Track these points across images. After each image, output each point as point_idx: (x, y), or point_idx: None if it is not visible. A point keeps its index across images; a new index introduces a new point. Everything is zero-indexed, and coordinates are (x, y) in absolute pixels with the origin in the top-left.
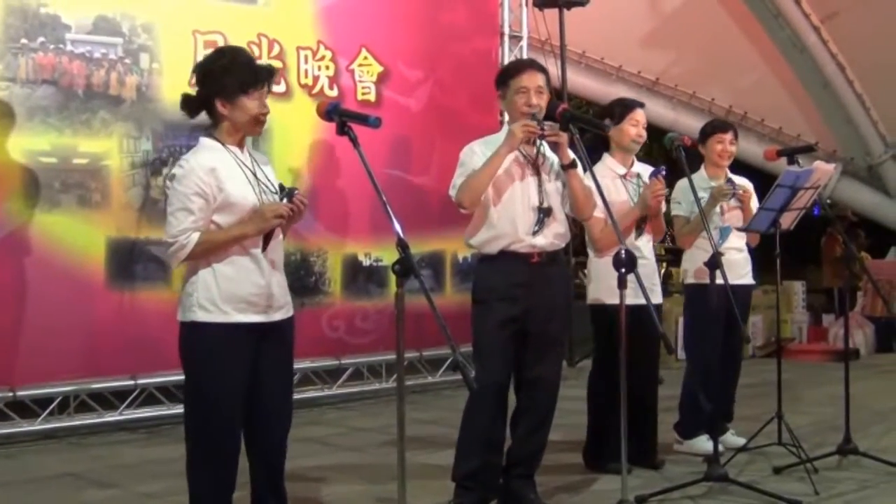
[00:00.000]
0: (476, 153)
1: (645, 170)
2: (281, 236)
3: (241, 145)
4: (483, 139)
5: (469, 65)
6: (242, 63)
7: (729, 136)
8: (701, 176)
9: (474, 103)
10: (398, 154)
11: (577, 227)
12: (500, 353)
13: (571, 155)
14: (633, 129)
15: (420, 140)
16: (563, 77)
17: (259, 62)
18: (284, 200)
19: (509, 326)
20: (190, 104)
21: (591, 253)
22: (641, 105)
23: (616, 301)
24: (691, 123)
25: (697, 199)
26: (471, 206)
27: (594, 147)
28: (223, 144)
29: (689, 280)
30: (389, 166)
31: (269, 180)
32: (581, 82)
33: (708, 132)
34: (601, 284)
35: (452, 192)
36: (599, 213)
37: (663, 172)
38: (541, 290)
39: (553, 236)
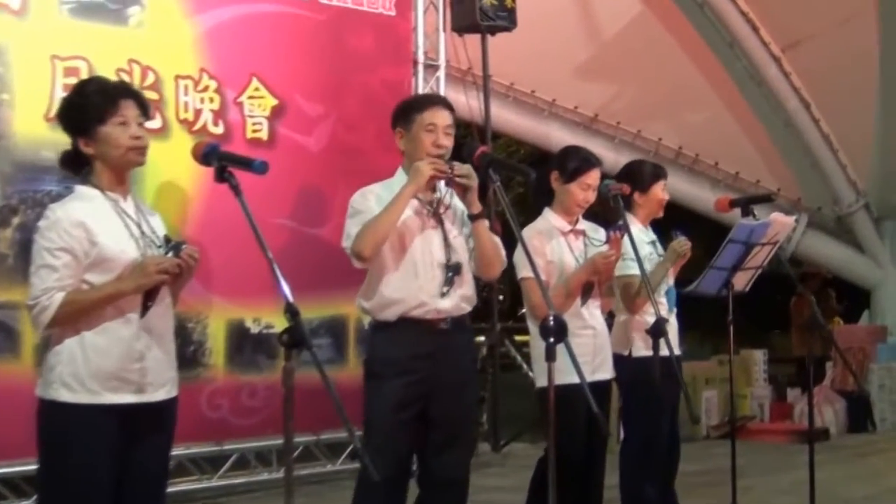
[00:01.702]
0: (370, 200)
1: (592, 228)
2: (168, 299)
3: (123, 191)
4: (377, 184)
5: (378, 98)
6: (92, 91)
7: (666, 182)
8: (636, 228)
9: (383, 143)
10: (294, 202)
11: (511, 288)
12: (397, 440)
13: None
14: (582, 193)
15: (320, 185)
16: (487, 112)
17: (114, 81)
18: (171, 254)
19: (409, 408)
20: (67, 161)
21: (530, 324)
22: (599, 164)
23: (569, 380)
24: None
25: (639, 258)
26: (371, 257)
27: (522, 201)
28: (101, 191)
29: (635, 352)
30: (283, 216)
31: (154, 234)
32: (508, 118)
33: (650, 177)
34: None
35: (347, 244)
36: (543, 276)
37: (620, 232)
38: (447, 363)
39: (461, 298)
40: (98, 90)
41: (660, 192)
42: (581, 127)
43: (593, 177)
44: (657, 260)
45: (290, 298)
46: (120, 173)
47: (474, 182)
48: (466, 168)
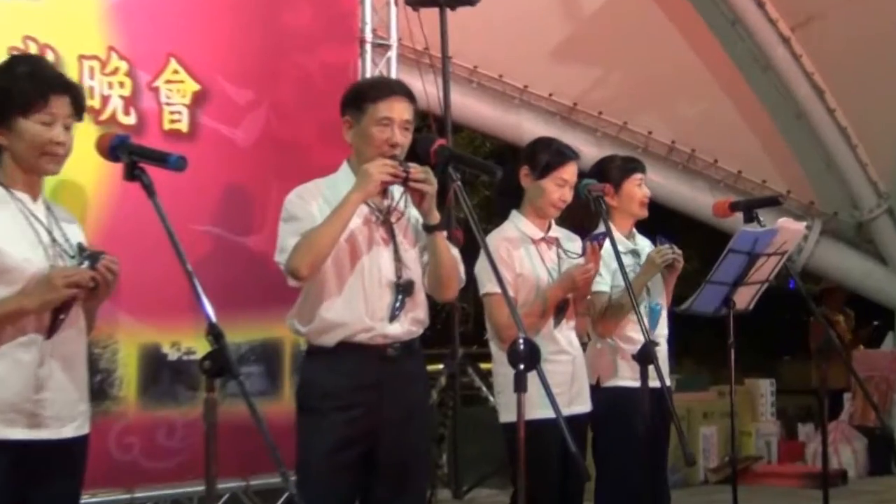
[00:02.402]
0: (309, 202)
1: (566, 236)
2: (83, 323)
3: (34, 191)
4: (319, 181)
5: (318, 83)
6: (22, 74)
7: (645, 177)
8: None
9: (324, 136)
10: (219, 205)
11: (476, 307)
12: (337, 485)
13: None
14: (557, 190)
15: (250, 186)
16: (446, 100)
17: (51, 67)
18: (85, 265)
19: (351, 448)
20: None
21: (494, 348)
22: (576, 157)
23: (542, 415)
24: None
25: (623, 269)
26: (309, 276)
27: (488, 205)
28: (7, 189)
29: (609, 381)
30: (206, 221)
31: (68, 242)
32: (471, 107)
33: (621, 172)
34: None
35: (282, 258)
36: (511, 291)
37: (602, 240)
38: (395, 394)
39: (411, 322)
40: (29, 75)
41: (634, 188)
42: (557, 118)
43: (570, 171)
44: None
45: (214, 318)
46: (31, 175)
47: (433, 188)
48: (424, 171)
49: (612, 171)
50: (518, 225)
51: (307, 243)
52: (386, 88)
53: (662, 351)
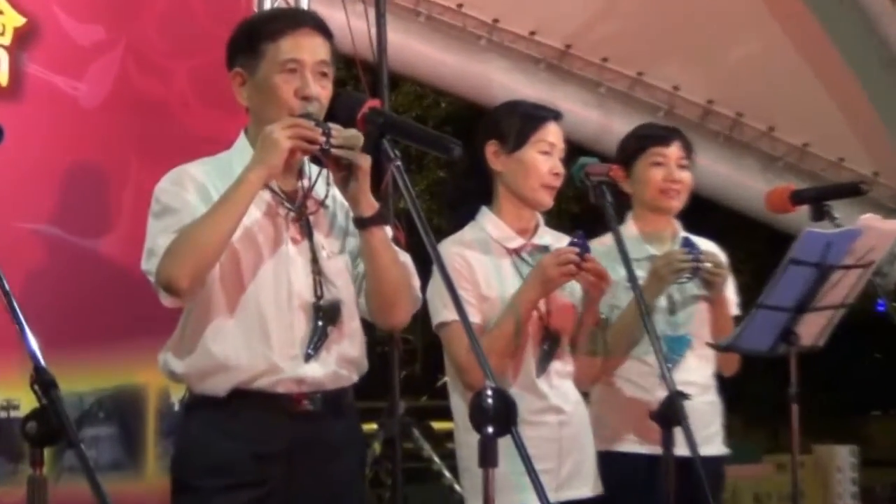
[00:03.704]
0: (189, 189)
1: (558, 240)
2: None
3: None
4: (198, 164)
5: (198, 17)
6: None
7: (674, 151)
8: (628, 234)
9: (208, 92)
10: (56, 193)
11: (427, 340)
12: None
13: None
14: (544, 160)
15: (101, 164)
16: (381, 40)
17: None
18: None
19: None
20: None
21: (455, 399)
22: (556, 115)
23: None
24: None
25: (634, 279)
26: (191, 290)
27: (441, 192)
28: None
29: (603, 445)
30: (37, 218)
31: None
32: (418, 51)
33: (634, 147)
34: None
35: (150, 264)
36: (473, 317)
37: (579, 240)
38: (313, 469)
39: (339, 361)
40: None
41: (649, 168)
42: (542, 66)
43: (553, 132)
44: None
45: (42, 359)
46: None
47: (366, 160)
48: (352, 134)
49: (623, 146)
50: (486, 227)
51: (187, 243)
52: (289, 19)
53: (699, 406)
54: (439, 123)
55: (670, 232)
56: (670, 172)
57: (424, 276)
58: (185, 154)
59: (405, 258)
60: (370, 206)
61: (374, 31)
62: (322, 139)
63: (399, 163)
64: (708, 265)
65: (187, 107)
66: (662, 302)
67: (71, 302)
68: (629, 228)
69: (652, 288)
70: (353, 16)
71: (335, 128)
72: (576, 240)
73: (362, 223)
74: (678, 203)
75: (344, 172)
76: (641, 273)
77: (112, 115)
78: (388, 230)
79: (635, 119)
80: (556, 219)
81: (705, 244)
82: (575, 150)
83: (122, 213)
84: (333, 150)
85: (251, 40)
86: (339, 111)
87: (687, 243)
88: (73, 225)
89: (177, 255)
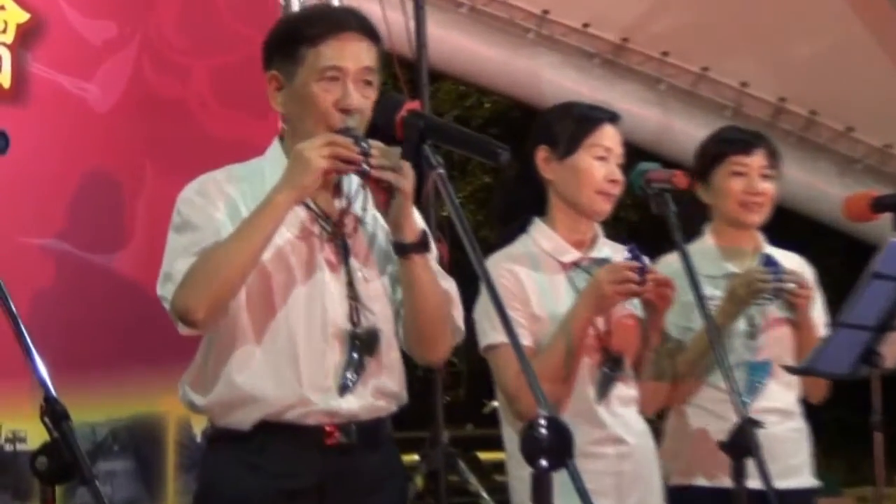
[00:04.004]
0: (213, 202)
1: (619, 253)
2: None
3: None
4: (225, 171)
5: (221, 11)
6: None
7: (757, 160)
8: (705, 249)
9: (231, 94)
10: (65, 205)
11: (471, 364)
12: None
13: (420, 222)
14: (600, 166)
15: (113, 173)
16: (420, 35)
17: None
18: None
19: None
20: None
21: (505, 429)
22: (613, 117)
23: None
24: (699, 137)
25: (702, 302)
26: (211, 321)
27: (487, 200)
28: None
29: (678, 479)
30: (45, 232)
31: None
32: (460, 46)
33: (713, 154)
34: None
35: (167, 290)
36: (524, 339)
37: (633, 254)
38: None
39: (375, 393)
40: None
41: (728, 179)
42: (597, 61)
43: (609, 136)
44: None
45: (51, 388)
46: None
47: (408, 182)
48: (394, 154)
49: (701, 152)
50: (538, 240)
51: (206, 270)
52: (332, 22)
53: (770, 433)
54: (483, 125)
55: (752, 247)
56: (752, 184)
57: (471, 294)
58: (205, 161)
59: (448, 285)
60: (412, 231)
61: (412, 24)
62: (360, 160)
63: (442, 170)
64: (791, 285)
65: (207, 109)
66: (742, 325)
67: (82, 324)
68: (706, 242)
69: (729, 309)
70: (388, 8)
71: (376, 146)
72: (629, 254)
73: (402, 249)
74: (759, 217)
75: (383, 193)
76: (719, 293)
77: (125, 119)
78: (431, 256)
79: (698, 119)
80: (613, 228)
81: (790, 259)
82: (634, 153)
83: (137, 225)
84: (373, 172)
85: (289, 43)
86: (377, 115)
87: (768, 261)
88: (83, 239)
89: (194, 284)
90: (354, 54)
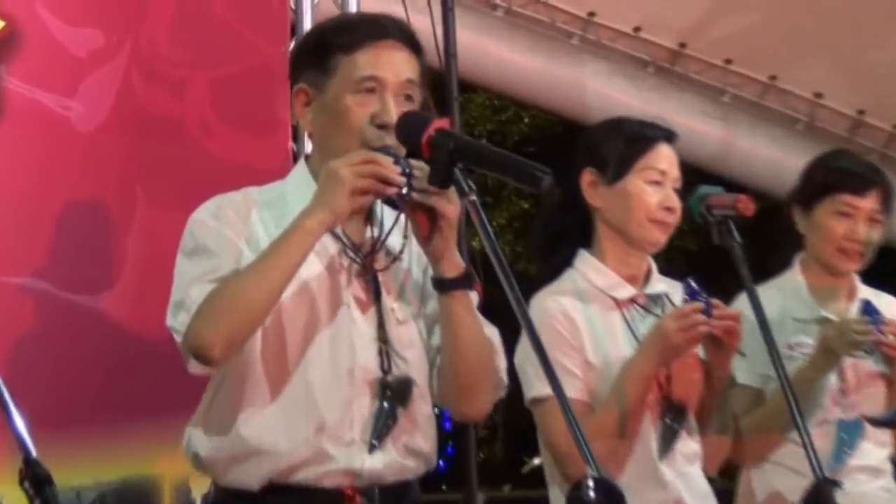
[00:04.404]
0: (232, 225)
1: (673, 288)
2: None
3: None
4: (244, 193)
5: (219, 13)
6: None
7: (868, 203)
8: (794, 285)
9: (232, 110)
10: (45, 239)
11: (509, 415)
12: None
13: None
14: (653, 192)
15: (100, 202)
16: (449, 42)
17: None
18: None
19: None
20: None
21: (553, 491)
22: (669, 135)
23: None
24: (767, 155)
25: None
26: (223, 355)
27: (525, 228)
28: None
29: None
30: (21, 271)
31: None
32: (494, 53)
33: (821, 184)
34: None
35: (179, 321)
36: (578, 392)
37: (691, 290)
38: None
39: (405, 452)
40: None
41: (832, 218)
42: (651, 70)
43: (664, 156)
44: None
45: (32, 448)
46: None
47: (454, 206)
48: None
49: (807, 177)
50: (588, 275)
51: (225, 301)
52: (370, 29)
53: (858, 490)
54: (520, 142)
55: (847, 289)
56: (856, 229)
57: (507, 337)
58: (205, 187)
59: (491, 332)
60: (454, 265)
61: (439, 29)
62: (402, 181)
63: (474, 197)
64: (892, 338)
65: (207, 128)
66: (833, 379)
67: (65, 374)
68: (794, 277)
69: (821, 362)
70: (413, 11)
71: (417, 166)
72: (687, 293)
73: (443, 286)
74: (857, 266)
75: (426, 220)
76: (810, 340)
77: (112, 140)
78: (474, 296)
79: (766, 134)
80: (667, 260)
81: (890, 306)
82: (692, 175)
83: (126, 261)
84: (415, 195)
85: (320, 51)
86: (401, 133)
87: (867, 308)
88: (66, 278)
89: (212, 316)
90: (394, 64)
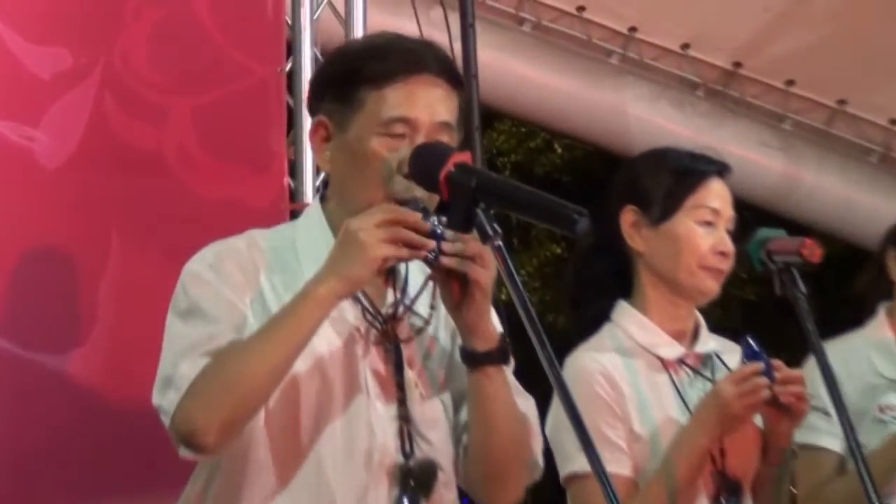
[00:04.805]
0: (234, 282)
1: (729, 349)
2: None
3: None
4: (247, 238)
5: (202, 33)
6: None
7: None
8: (883, 341)
9: (219, 140)
10: (4, 292)
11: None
12: None
13: (497, 325)
14: (704, 234)
15: (68, 246)
16: (469, 62)
17: None
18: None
19: None
20: None
21: None
22: (721, 169)
23: None
24: (836, 192)
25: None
26: (218, 443)
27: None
28: None
29: None
30: None
31: None
32: (523, 76)
33: None
34: None
35: (166, 400)
36: (623, 468)
37: (751, 350)
38: None
39: None
40: None
41: None
42: (701, 92)
43: (717, 193)
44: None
45: None
46: None
47: (489, 272)
48: (472, 239)
49: None
50: (630, 330)
51: (224, 378)
52: (403, 59)
53: None
54: (550, 176)
55: None
56: None
57: (541, 401)
58: (190, 230)
59: (526, 405)
60: (488, 337)
61: (458, 47)
62: (431, 245)
63: (500, 242)
64: None
65: (192, 161)
66: None
67: (26, 448)
68: (880, 328)
69: None
70: (427, 26)
71: (441, 222)
72: (746, 353)
73: (475, 360)
74: None
75: (456, 288)
76: (884, 397)
77: (83, 177)
78: (509, 369)
79: (834, 167)
80: (723, 311)
81: None
82: (749, 213)
83: (98, 315)
84: (444, 261)
85: (345, 81)
86: (414, 168)
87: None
88: (27, 334)
89: (205, 397)
90: (429, 104)
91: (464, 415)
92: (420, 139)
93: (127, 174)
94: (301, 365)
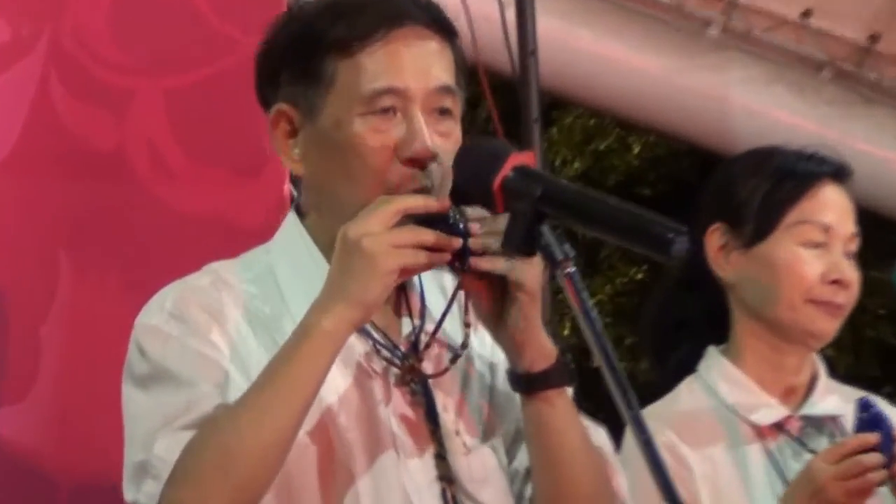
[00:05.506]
0: (202, 327)
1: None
2: None
3: None
4: (212, 272)
5: (179, 2)
6: None
7: None
8: None
9: (196, 135)
10: None
11: None
12: None
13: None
14: (813, 259)
15: (3, 273)
16: (527, 38)
17: None
18: None
19: None
20: None
21: None
22: (837, 172)
23: None
24: None
25: None
26: None
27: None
28: None
29: None
30: None
31: None
32: (595, 54)
33: None
34: None
35: (146, 493)
36: None
37: (863, 414)
38: None
39: None
40: None
41: None
42: (826, 74)
43: (831, 204)
44: None
45: None
46: None
47: (534, 270)
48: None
49: None
50: (716, 387)
51: (216, 453)
52: (377, 9)
53: None
54: (625, 183)
55: None
56: None
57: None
58: (162, 252)
59: (599, 438)
60: (543, 354)
61: (511, 15)
62: (457, 242)
63: (573, 268)
64: None
65: (164, 163)
66: None
67: None
68: None
69: None
70: None
71: (475, 216)
72: (861, 416)
73: (529, 384)
74: None
75: (493, 296)
76: None
77: (21, 181)
78: (568, 397)
79: None
80: (855, 355)
81: None
82: (885, 230)
83: (43, 359)
84: (474, 261)
85: (305, 52)
86: (457, 175)
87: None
88: None
89: (197, 482)
90: (420, 65)
91: (523, 459)
92: (416, 111)
93: (79, 178)
94: (304, 424)
